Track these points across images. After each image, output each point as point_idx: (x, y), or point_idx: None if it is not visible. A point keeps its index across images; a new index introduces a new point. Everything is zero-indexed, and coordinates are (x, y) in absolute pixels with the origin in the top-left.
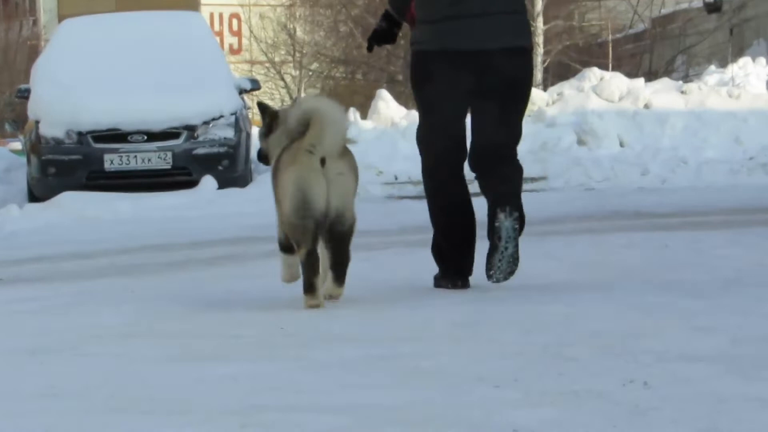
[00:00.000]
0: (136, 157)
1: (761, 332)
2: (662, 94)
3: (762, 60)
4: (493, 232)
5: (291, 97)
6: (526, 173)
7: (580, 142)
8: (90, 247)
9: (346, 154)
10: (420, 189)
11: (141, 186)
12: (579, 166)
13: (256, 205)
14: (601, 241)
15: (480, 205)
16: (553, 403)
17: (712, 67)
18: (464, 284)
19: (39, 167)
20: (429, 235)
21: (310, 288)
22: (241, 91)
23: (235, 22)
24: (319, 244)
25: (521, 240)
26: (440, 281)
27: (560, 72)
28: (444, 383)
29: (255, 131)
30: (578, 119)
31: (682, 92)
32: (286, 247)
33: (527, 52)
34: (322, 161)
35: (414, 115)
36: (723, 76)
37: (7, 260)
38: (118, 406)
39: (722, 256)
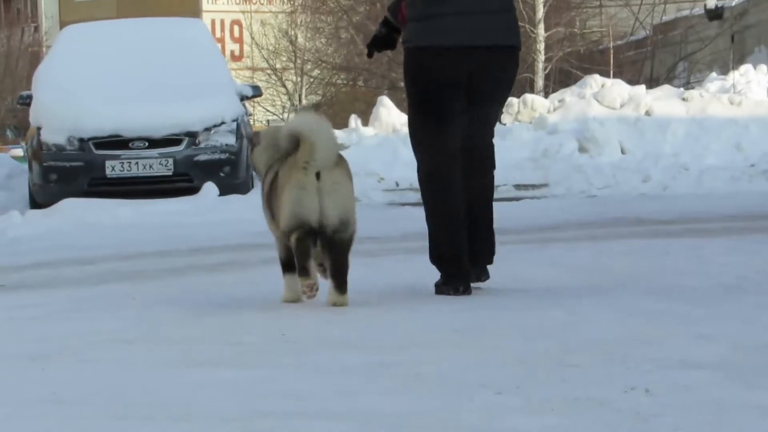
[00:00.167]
0: (137, 163)
1: (762, 339)
2: (663, 101)
3: (763, 67)
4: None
5: (292, 104)
6: (527, 180)
7: (582, 149)
8: (91, 254)
9: (340, 162)
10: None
11: (142, 192)
12: (580, 173)
13: (258, 211)
14: (602, 247)
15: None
16: (554, 410)
17: (714, 74)
18: (466, 289)
19: (41, 174)
20: None
21: (303, 271)
22: (243, 98)
23: (236, 28)
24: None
25: (522, 247)
26: (442, 287)
27: (561, 79)
28: (445, 390)
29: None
30: (579, 126)
31: (684, 99)
32: (288, 265)
33: (517, 51)
34: (318, 175)
35: None
36: (724, 83)
37: (8, 266)
38: (119, 412)
39: (723, 263)
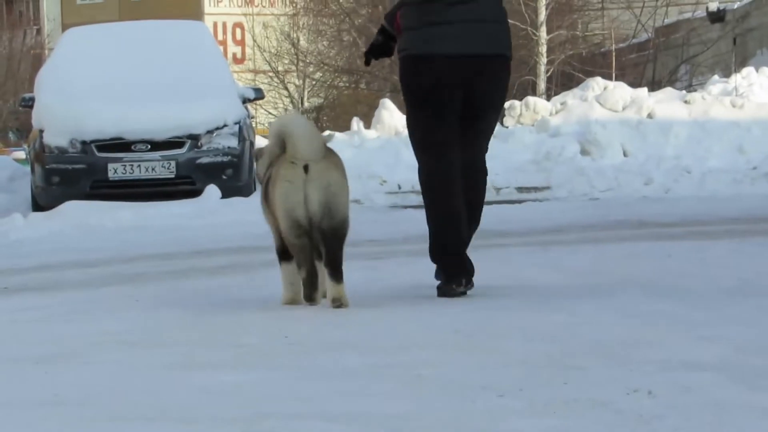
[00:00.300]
0: (139, 166)
1: (764, 341)
2: (666, 104)
3: (765, 70)
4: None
5: (294, 107)
6: (530, 183)
7: (584, 151)
8: (93, 256)
9: (329, 155)
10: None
11: (145, 195)
12: (582, 176)
13: (260, 214)
14: (604, 250)
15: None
16: (557, 413)
17: (716, 77)
18: (468, 282)
19: (43, 176)
20: None
21: (309, 300)
22: (245, 101)
23: (238, 31)
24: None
25: (524, 249)
26: (444, 288)
27: (563, 82)
28: (447, 392)
29: (259, 140)
30: (582, 129)
31: (686, 102)
32: (284, 253)
33: (508, 61)
34: (306, 168)
35: None
36: (726, 86)
37: (11, 269)
38: (122, 414)
39: (725, 266)
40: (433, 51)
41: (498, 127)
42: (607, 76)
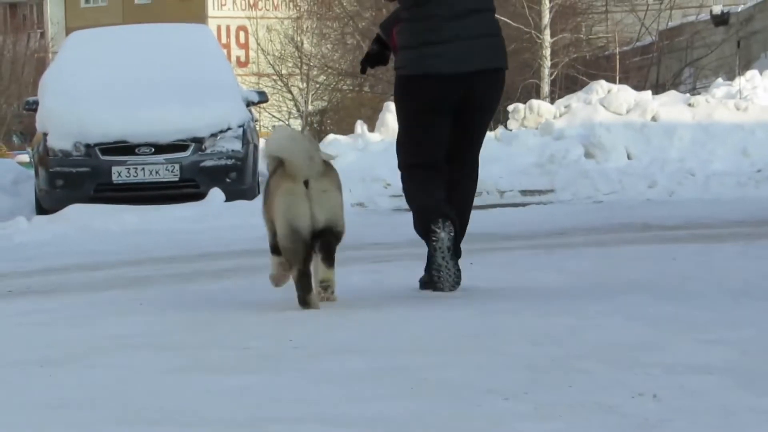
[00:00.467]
0: (143, 169)
1: None
2: (670, 107)
3: None
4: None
5: (298, 110)
6: (533, 186)
7: (588, 154)
8: (98, 259)
9: (328, 171)
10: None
11: (149, 198)
12: (586, 179)
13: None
14: (608, 253)
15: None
16: (562, 416)
17: (720, 80)
18: (450, 232)
19: (47, 179)
20: None
21: (304, 303)
22: (249, 104)
23: (242, 34)
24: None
25: (528, 252)
26: (432, 277)
27: (567, 85)
28: (453, 395)
29: (262, 143)
30: (586, 132)
31: (690, 105)
32: (276, 249)
33: (503, 72)
34: (306, 183)
35: None
36: (730, 89)
37: (15, 272)
38: (127, 417)
39: (731, 269)
40: (429, 71)
41: (502, 130)
42: (611, 79)
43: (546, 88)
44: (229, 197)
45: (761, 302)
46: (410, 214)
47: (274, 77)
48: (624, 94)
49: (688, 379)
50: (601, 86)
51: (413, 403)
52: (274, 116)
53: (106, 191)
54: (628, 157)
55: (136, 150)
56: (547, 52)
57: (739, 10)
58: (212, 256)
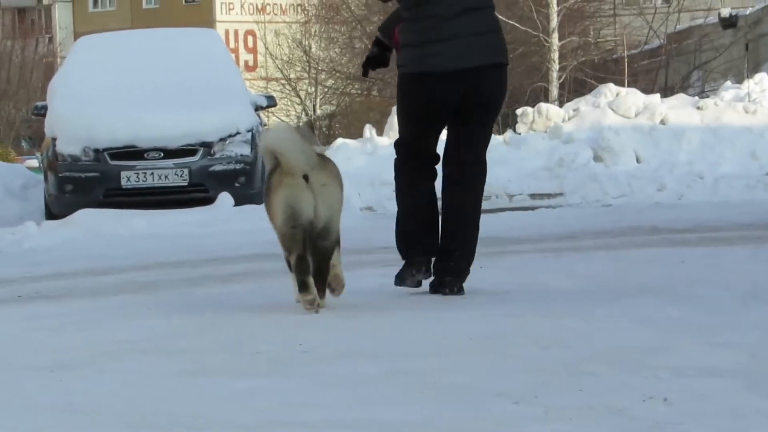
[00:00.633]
0: (152, 174)
1: None
2: (678, 110)
3: None
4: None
5: (306, 114)
6: (542, 189)
7: (597, 158)
8: (107, 264)
9: (326, 164)
10: (438, 206)
11: (158, 203)
12: (595, 182)
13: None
14: (618, 256)
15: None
16: (572, 419)
17: (728, 83)
18: (427, 270)
19: (56, 184)
20: None
21: (303, 286)
22: (258, 108)
23: (250, 39)
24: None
25: (538, 256)
26: (403, 274)
27: (576, 88)
28: (463, 399)
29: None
30: (595, 135)
31: (698, 108)
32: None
33: (504, 67)
34: (306, 177)
35: None
36: (739, 92)
37: (24, 277)
38: (136, 421)
39: (740, 272)
40: (430, 69)
41: (510, 133)
42: (620, 83)
43: (554, 92)
44: (238, 202)
45: None
46: None
47: (283, 81)
48: (633, 98)
49: (697, 382)
50: (609, 89)
51: (423, 406)
52: (282, 120)
53: (115, 196)
54: (637, 161)
55: (145, 155)
56: (556, 55)
57: (748, 12)
58: (221, 260)
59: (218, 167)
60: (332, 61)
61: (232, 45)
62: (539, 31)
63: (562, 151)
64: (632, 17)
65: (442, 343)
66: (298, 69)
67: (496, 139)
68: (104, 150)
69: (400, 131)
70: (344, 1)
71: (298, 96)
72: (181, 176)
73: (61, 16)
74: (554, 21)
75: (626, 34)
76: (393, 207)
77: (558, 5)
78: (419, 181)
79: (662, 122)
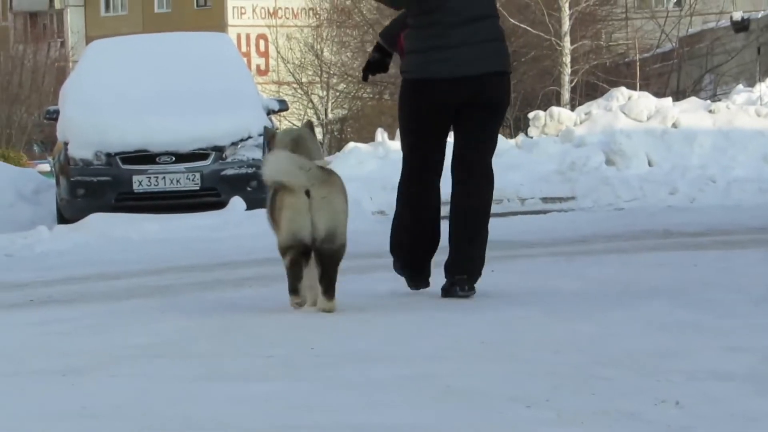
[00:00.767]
0: (164, 178)
1: None
2: (690, 114)
3: None
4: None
5: (318, 118)
6: (555, 193)
7: (609, 161)
8: (119, 268)
9: (329, 178)
10: (446, 210)
11: (170, 207)
12: (607, 186)
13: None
14: (630, 260)
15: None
16: (585, 423)
17: (740, 86)
18: (425, 279)
19: (68, 189)
20: None
21: (293, 290)
22: (269, 112)
23: (262, 43)
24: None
25: (550, 260)
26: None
27: (588, 92)
28: (475, 403)
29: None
30: (606, 139)
31: (710, 111)
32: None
33: (506, 75)
34: (308, 192)
35: None
36: (751, 95)
37: (37, 281)
38: (150, 425)
39: (752, 275)
40: (434, 75)
41: (522, 137)
42: (632, 86)
43: (566, 95)
44: (250, 206)
45: None
46: None
47: (295, 85)
48: (644, 101)
49: (709, 385)
50: (621, 93)
51: (435, 410)
52: (294, 125)
53: (127, 200)
54: (649, 164)
55: (157, 159)
56: (567, 59)
57: (759, 16)
58: (233, 264)
59: (230, 171)
60: (344, 65)
61: (243, 49)
62: (551, 34)
63: (574, 154)
64: (644, 21)
65: (454, 347)
66: (310, 73)
67: (508, 143)
68: (116, 154)
69: (402, 146)
70: (356, 5)
71: (310, 100)
72: (192, 180)
73: (73, 21)
74: (566, 25)
75: (638, 38)
76: None
77: (570, 9)
78: (419, 206)
79: (674, 126)
